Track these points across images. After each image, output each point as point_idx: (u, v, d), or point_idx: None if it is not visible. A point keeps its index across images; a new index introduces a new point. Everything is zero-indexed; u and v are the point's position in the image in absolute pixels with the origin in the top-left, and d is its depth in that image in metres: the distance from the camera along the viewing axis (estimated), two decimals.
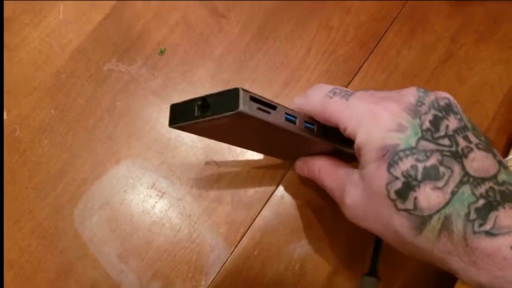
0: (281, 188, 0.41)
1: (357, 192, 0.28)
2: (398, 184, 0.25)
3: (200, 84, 0.44)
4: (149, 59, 0.44)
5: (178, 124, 0.29)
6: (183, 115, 0.28)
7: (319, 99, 0.29)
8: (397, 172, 0.25)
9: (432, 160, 0.25)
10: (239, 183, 0.41)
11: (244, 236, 0.40)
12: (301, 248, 0.40)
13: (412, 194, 0.25)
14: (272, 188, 0.41)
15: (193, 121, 0.28)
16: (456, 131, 0.26)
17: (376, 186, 0.26)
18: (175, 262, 0.39)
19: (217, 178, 0.41)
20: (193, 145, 0.42)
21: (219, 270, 0.39)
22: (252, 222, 0.40)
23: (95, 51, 0.44)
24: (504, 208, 0.24)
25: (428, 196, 0.25)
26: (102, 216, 0.40)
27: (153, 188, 0.41)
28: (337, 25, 0.46)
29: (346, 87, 0.44)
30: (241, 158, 0.42)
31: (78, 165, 0.41)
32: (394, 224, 0.26)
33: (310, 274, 0.39)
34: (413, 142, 0.25)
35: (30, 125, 0.42)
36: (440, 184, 0.25)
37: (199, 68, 0.44)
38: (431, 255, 0.26)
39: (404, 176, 0.25)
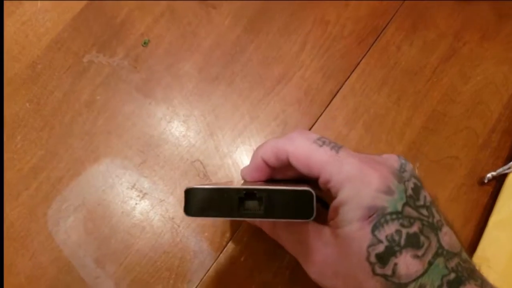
0: None
1: (327, 250, 0.28)
2: (380, 248, 0.26)
3: (187, 79, 0.43)
4: (132, 51, 0.43)
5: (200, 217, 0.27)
6: (212, 207, 0.26)
7: (306, 145, 0.29)
8: (382, 235, 0.26)
9: (415, 228, 0.26)
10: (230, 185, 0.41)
11: (231, 241, 0.39)
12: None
13: (393, 260, 0.26)
14: None
15: (230, 217, 0.26)
16: (431, 203, 0.28)
17: (355, 246, 0.26)
18: (156, 268, 0.39)
19: (202, 178, 0.41)
20: (177, 144, 0.41)
21: (203, 277, 0.39)
22: (239, 226, 0.40)
23: (74, 41, 0.43)
24: (470, 283, 0.26)
25: (407, 264, 0.26)
26: (78, 217, 0.39)
27: (134, 188, 0.40)
28: (334, 19, 0.46)
29: (343, 84, 0.44)
30: (228, 158, 0.41)
31: (54, 163, 0.41)
32: (368, 287, 0.27)
33: (301, 281, 0.39)
34: (399, 207, 0.26)
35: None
36: (419, 253, 0.26)
37: (186, 62, 0.44)
38: None
39: (388, 240, 0.26)
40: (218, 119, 0.42)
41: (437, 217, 0.28)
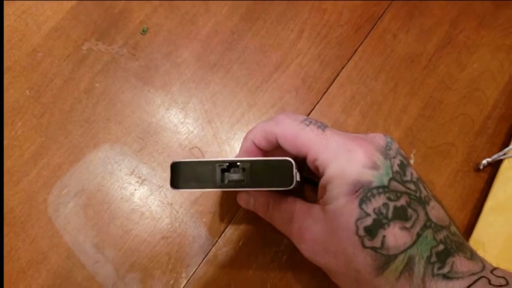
0: None
1: (317, 227, 0.28)
2: (368, 221, 0.26)
3: (185, 66, 0.43)
4: (131, 38, 0.43)
5: (185, 189, 0.28)
6: (196, 179, 0.27)
7: (293, 125, 0.29)
8: (369, 208, 0.26)
9: (402, 201, 0.27)
10: None
11: (229, 226, 0.39)
12: (288, 239, 0.39)
13: (381, 232, 0.26)
14: None
15: (213, 188, 0.27)
16: (418, 179, 0.29)
17: (344, 221, 0.27)
18: (155, 253, 0.38)
19: None
20: (176, 131, 0.41)
21: (201, 262, 0.38)
22: (237, 212, 0.39)
23: (74, 29, 0.43)
24: (459, 255, 0.27)
25: (396, 236, 0.26)
26: (78, 203, 0.39)
27: (133, 174, 0.40)
28: (331, 7, 0.45)
29: (340, 71, 0.44)
30: (225, 145, 0.41)
31: (54, 149, 0.40)
32: (357, 262, 0.27)
33: (298, 266, 0.38)
34: (385, 181, 0.27)
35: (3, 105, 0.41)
36: (407, 225, 0.26)
37: (184, 49, 0.43)
38: None
39: (376, 213, 0.26)
40: (216, 106, 0.42)
41: (424, 192, 0.28)
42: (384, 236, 0.26)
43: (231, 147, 0.41)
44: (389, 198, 0.26)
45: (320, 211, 0.28)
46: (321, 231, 0.28)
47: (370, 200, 0.26)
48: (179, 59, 0.43)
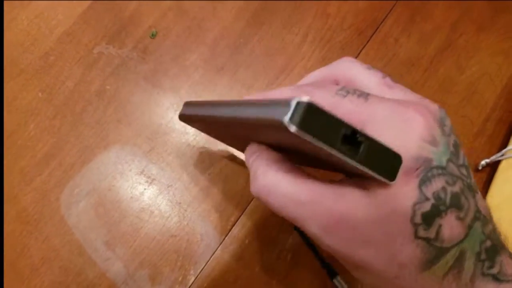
0: None
1: (357, 212, 0.22)
2: (426, 206, 0.21)
3: (193, 69, 0.43)
4: (140, 42, 0.43)
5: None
6: (319, 131, 0.19)
7: (327, 98, 0.24)
8: (429, 191, 0.21)
9: (457, 187, 0.22)
10: (231, 171, 0.41)
11: (235, 225, 0.39)
12: (294, 237, 0.39)
13: (438, 221, 0.21)
14: None
15: (331, 148, 0.19)
16: (468, 164, 0.24)
17: (398, 205, 0.21)
18: (164, 251, 0.39)
19: (208, 165, 0.41)
20: (184, 132, 0.41)
21: (209, 259, 0.39)
22: (244, 210, 0.40)
23: (85, 33, 0.43)
24: (505, 254, 0.23)
25: (452, 226, 0.21)
26: (89, 202, 0.39)
27: (142, 174, 0.40)
28: (334, 12, 0.46)
29: None
30: None
31: (66, 150, 0.41)
32: (403, 255, 0.22)
33: (302, 264, 0.39)
34: (444, 161, 0.22)
35: (16, 107, 0.41)
36: (462, 214, 0.22)
37: (192, 53, 0.43)
38: None
39: (435, 198, 0.21)
40: None
41: (473, 179, 0.24)
42: (440, 226, 0.21)
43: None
44: (447, 182, 0.21)
45: (361, 193, 0.22)
46: (362, 217, 0.22)
47: (430, 181, 0.21)
48: (187, 62, 0.43)
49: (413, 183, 0.21)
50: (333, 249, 0.23)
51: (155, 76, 0.43)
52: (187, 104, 0.33)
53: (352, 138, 0.19)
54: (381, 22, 0.46)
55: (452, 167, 0.22)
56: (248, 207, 0.40)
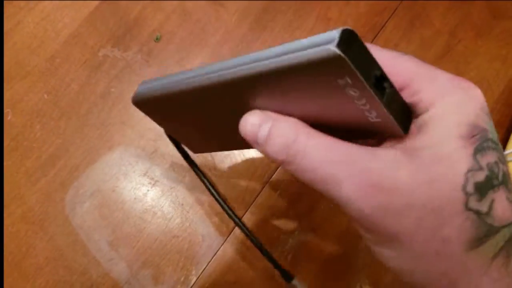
0: (274, 179, 0.41)
1: (400, 174, 0.19)
2: (480, 176, 0.19)
3: None
4: (145, 46, 0.44)
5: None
6: (360, 64, 0.17)
7: (387, 52, 0.22)
8: (483, 161, 0.19)
9: (505, 168, 0.20)
10: (233, 173, 0.41)
11: (237, 226, 0.40)
12: (294, 238, 0.40)
13: (491, 195, 0.19)
14: (266, 179, 0.41)
15: (369, 88, 0.18)
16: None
17: (450, 169, 0.19)
18: (166, 251, 0.39)
19: (211, 167, 0.41)
20: None
21: (210, 260, 0.39)
22: (245, 212, 0.40)
23: (91, 36, 0.44)
24: None
25: (503, 204, 0.20)
26: (93, 203, 0.40)
27: (146, 175, 0.41)
28: (336, 16, 0.46)
29: None
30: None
31: (71, 151, 0.41)
32: (451, 226, 0.19)
33: (302, 265, 0.39)
34: (495, 137, 0.20)
35: (22, 109, 0.42)
36: (510, 196, 0.20)
37: (195, 56, 0.44)
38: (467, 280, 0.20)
39: (489, 170, 0.19)
40: None
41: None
42: (492, 201, 0.19)
43: (239, 150, 0.42)
44: (499, 159, 0.20)
45: (404, 155, 0.20)
46: (406, 181, 0.19)
47: (485, 151, 0.19)
48: (191, 66, 0.44)
49: (468, 150, 0.19)
50: (365, 215, 0.20)
51: None
52: (145, 83, 0.26)
53: (380, 82, 0.19)
54: (382, 27, 0.46)
55: (500, 148, 0.21)
56: (249, 209, 0.40)
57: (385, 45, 0.46)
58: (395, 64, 0.21)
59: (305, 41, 0.18)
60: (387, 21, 0.46)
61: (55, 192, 0.40)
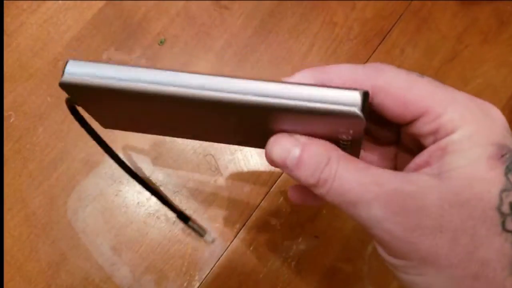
0: (278, 185, 0.41)
1: (430, 196, 0.20)
2: None
3: None
4: (149, 49, 0.44)
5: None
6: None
7: (402, 75, 0.22)
8: None
9: None
10: (237, 178, 0.41)
11: (240, 232, 0.40)
12: (298, 245, 0.40)
13: None
14: (270, 184, 0.41)
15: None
16: None
17: (482, 191, 0.19)
18: (169, 256, 0.39)
19: (214, 172, 0.41)
20: None
21: (214, 266, 0.39)
22: (249, 218, 0.40)
23: (94, 38, 0.44)
24: None
25: None
26: (96, 207, 0.40)
27: (149, 180, 0.41)
28: (341, 21, 0.46)
29: None
30: (239, 153, 0.42)
31: (73, 155, 0.41)
32: (488, 248, 0.19)
33: (306, 272, 0.39)
34: None
35: (25, 112, 0.42)
36: None
37: (200, 60, 0.44)
38: None
39: None
40: None
41: None
42: None
43: (243, 155, 0.42)
44: None
45: (433, 178, 0.20)
46: (436, 202, 0.19)
47: None
48: (195, 70, 0.44)
49: (499, 170, 0.19)
50: (395, 237, 0.20)
51: None
52: (76, 65, 0.22)
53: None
54: (388, 32, 0.46)
55: None
56: (253, 214, 0.40)
57: (391, 50, 0.46)
58: (412, 88, 0.21)
59: (328, 94, 0.20)
60: (393, 26, 0.46)
61: (57, 195, 0.40)
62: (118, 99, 0.22)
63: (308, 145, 0.22)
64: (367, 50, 0.45)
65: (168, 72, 0.20)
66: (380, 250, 0.22)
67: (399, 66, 0.44)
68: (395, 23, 0.46)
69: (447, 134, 0.20)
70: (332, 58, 0.45)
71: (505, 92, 0.45)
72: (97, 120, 0.27)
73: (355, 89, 0.20)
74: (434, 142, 0.21)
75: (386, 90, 0.21)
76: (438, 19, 0.47)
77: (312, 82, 0.22)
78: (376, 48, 0.45)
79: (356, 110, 0.19)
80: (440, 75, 0.45)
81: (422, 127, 0.21)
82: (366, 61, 0.45)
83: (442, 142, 0.20)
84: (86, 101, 0.25)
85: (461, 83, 0.45)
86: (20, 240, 0.39)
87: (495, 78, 0.45)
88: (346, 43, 0.45)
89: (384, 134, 0.26)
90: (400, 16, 0.47)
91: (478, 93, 0.45)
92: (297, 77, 0.23)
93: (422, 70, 0.44)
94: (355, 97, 0.19)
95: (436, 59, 0.46)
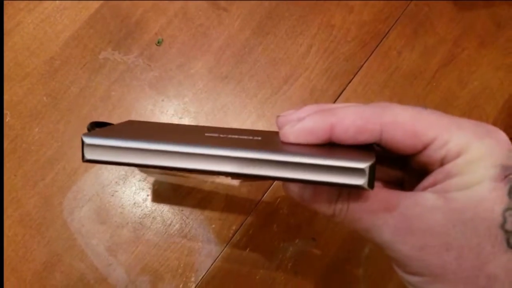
0: (275, 187, 0.42)
1: (435, 216, 0.21)
2: None
3: (198, 78, 0.44)
4: (146, 49, 0.44)
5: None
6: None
7: (408, 109, 0.23)
8: None
9: None
10: (235, 180, 0.41)
11: (237, 233, 0.40)
12: (294, 247, 0.40)
13: None
14: (267, 186, 0.41)
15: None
16: None
17: (486, 210, 0.21)
18: (165, 257, 0.39)
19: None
20: None
21: (210, 267, 0.39)
22: (245, 219, 0.40)
23: (91, 38, 0.44)
24: None
25: None
26: (92, 207, 0.40)
27: (146, 181, 0.41)
28: (339, 24, 0.47)
29: (346, 86, 0.45)
30: None
31: (69, 155, 0.41)
32: (494, 265, 0.20)
33: (302, 274, 0.40)
34: None
35: (21, 111, 0.42)
36: None
37: (197, 61, 0.44)
38: None
39: None
40: (227, 116, 0.43)
41: None
42: None
43: None
44: None
45: (439, 198, 0.22)
46: (441, 222, 0.21)
47: None
48: (192, 71, 0.44)
49: (503, 190, 0.21)
50: (405, 256, 0.22)
51: (160, 83, 0.43)
52: (102, 136, 0.22)
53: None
54: (385, 35, 0.47)
55: None
56: (249, 216, 0.41)
57: (389, 52, 0.46)
58: (419, 119, 0.22)
59: (336, 169, 0.21)
60: (390, 29, 0.47)
61: (53, 196, 0.40)
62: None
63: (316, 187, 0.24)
64: (364, 52, 0.46)
65: (187, 148, 0.22)
66: (396, 269, 0.24)
67: (397, 68, 0.45)
68: (392, 26, 0.47)
69: (453, 159, 0.22)
70: (330, 59, 0.45)
71: (502, 95, 0.46)
72: None
73: (362, 159, 0.21)
74: (440, 166, 0.22)
75: (395, 124, 0.23)
76: (435, 22, 0.47)
77: (319, 122, 0.23)
78: (374, 50, 0.46)
79: (363, 184, 0.21)
80: (437, 78, 0.46)
81: (431, 154, 0.22)
82: (363, 63, 0.45)
83: (447, 166, 0.22)
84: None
85: (458, 86, 0.46)
86: (15, 240, 0.39)
87: (492, 81, 0.46)
88: (344, 45, 0.46)
89: (392, 168, 0.28)
90: (397, 19, 0.47)
91: (474, 96, 0.46)
92: (304, 111, 0.25)
93: (419, 72, 0.45)
94: (362, 171, 0.21)
95: (433, 62, 0.46)
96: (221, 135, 0.25)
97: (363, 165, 0.20)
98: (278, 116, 0.25)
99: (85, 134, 0.23)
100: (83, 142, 0.22)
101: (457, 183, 0.21)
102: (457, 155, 0.22)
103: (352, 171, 0.21)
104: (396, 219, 0.22)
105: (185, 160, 0.22)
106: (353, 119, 0.23)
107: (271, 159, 0.21)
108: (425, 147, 0.23)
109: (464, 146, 0.22)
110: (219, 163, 0.22)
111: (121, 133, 0.24)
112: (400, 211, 0.22)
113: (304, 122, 0.24)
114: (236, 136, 0.25)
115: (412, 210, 0.22)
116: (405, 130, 0.22)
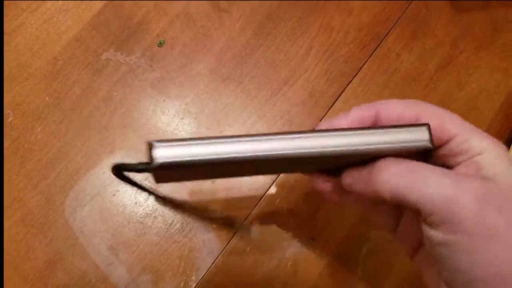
0: (275, 187, 0.42)
1: (486, 182, 0.24)
2: None
3: (199, 78, 0.44)
4: (148, 50, 0.45)
5: None
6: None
7: (435, 106, 0.28)
8: None
9: None
10: (234, 179, 0.42)
11: (237, 233, 0.41)
12: (294, 246, 0.41)
13: None
14: (267, 186, 0.42)
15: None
16: None
17: None
18: (166, 256, 0.40)
19: None
20: None
21: (210, 266, 0.40)
22: (246, 219, 0.41)
23: (94, 39, 0.44)
24: None
25: None
26: (94, 206, 0.41)
27: (147, 180, 0.41)
28: (338, 26, 0.47)
29: (346, 88, 0.45)
30: None
31: (72, 154, 0.42)
32: None
33: (301, 273, 0.40)
34: None
35: (24, 111, 0.42)
36: None
37: (198, 62, 0.45)
38: None
39: None
40: (228, 117, 0.44)
41: None
42: None
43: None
44: None
45: (477, 178, 0.25)
46: (492, 186, 0.24)
47: None
48: (194, 72, 0.45)
49: None
50: (469, 208, 0.23)
51: (161, 84, 0.44)
52: (169, 146, 0.24)
53: None
54: (384, 37, 0.47)
55: None
56: (249, 216, 0.41)
57: (388, 54, 0.47)
58: (444, 114, 0.27)
59: (400, 136, 0.25)
60: (389, 31, 0.47)
61: (55, 195, 0.41)
62: (201, 168, 0.24)
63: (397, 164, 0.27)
64: (363, 55, 0.47)
65: (250, 140, 0.24)
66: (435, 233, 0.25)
67: (395, 70, 0.46)
68: (391, 28, 0.48)
69: (475, 155, 0.25)
70: (330, 61, 0.46)
71: (499, 97, 0.47)
72: (153, 178, 0.28)
73: (420, 124, 0.25)
74: (461, 162, 0.26)
75: (425, 116, 0.27)
76: (433, 25, 0.48)
77: (366, 116, 0.28)
78: (373, 52, 0.47)
79: (428, 144, 0.25)
80: (435, 80, 0.46)
81: (454, 147, 0.26)
82: (362, 65, 0.46)
83: (475, 159, 0.25)
84: (164, 174, 0.27)
85: (456, 88, 0.46)
86: (17, 239, 0.39)
87: (489, 84, 0.47)
88: (343, 47, 0.47)
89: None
90: (396, 22, 0.48)
91: (472, 98, 0.46)
92: (353, 112, 0.28)
93: (417, 74, 0.45)
94: (424, 133, 0.25)
95: (432, 64, 0.47)
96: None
97: (423, 127, 0.25)
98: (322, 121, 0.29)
99: (153, 140, 0.24)
100: (151, 146, 0.24)
101: (489, 172, 0.25)
102: (479, 153, 0.25)
103: (416, 131, 0.25)
104: (443, 210, 0.23)
105: (265, 146, 0.23)
106: (396, 105, 0.28)
107: (347, 134, 0.25)
108: (450, 139, 0.26)
109: (485, 146, 0.25)
110: (308, 142, 0.24)
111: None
112: (475, 184, 0.24)
113: (351, 113, 0.28)
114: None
115: (459, 176, 0.24)
116: (434, 122, 0.26)
